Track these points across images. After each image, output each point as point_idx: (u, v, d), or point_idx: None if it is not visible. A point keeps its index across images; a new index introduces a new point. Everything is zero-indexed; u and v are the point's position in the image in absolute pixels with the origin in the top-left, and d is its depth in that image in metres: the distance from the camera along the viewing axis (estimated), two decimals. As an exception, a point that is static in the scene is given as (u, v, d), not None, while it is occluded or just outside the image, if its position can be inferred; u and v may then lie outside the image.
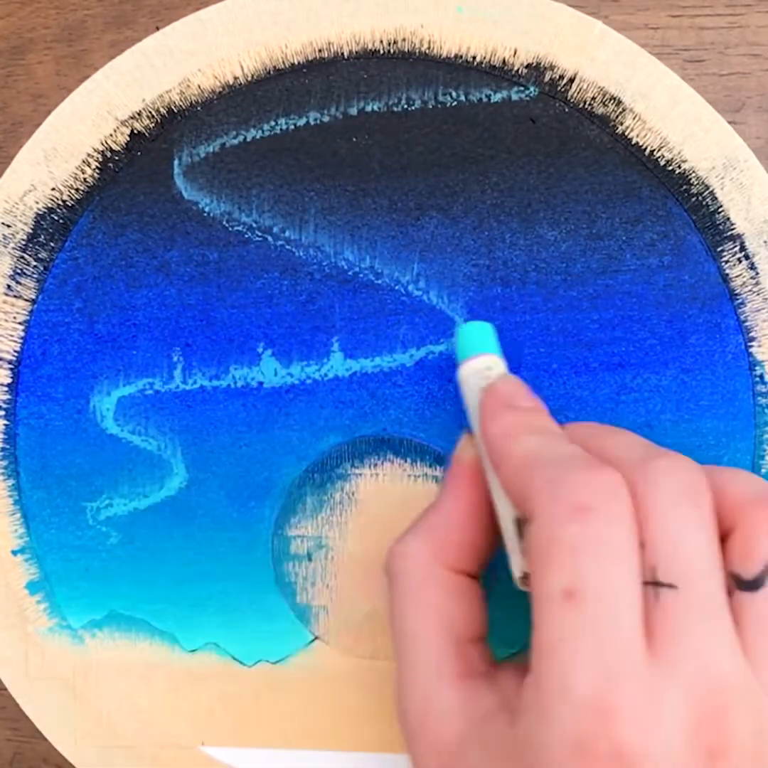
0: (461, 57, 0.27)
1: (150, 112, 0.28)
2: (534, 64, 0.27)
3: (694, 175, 0.27)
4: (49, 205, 0.28)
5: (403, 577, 0.23)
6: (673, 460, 0.21)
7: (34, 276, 0.28)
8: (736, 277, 0.27)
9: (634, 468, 0.21)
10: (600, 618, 0.19)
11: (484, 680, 0.23)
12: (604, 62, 0.27)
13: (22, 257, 0.28)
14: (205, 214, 0.28)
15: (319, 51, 0.28)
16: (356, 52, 0.28)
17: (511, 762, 0.21)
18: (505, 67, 0.27)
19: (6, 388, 0.29)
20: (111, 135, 0.28)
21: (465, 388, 0.25)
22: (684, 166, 0.27)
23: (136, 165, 0.28)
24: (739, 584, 0.21)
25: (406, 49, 0.27)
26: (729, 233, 0.27)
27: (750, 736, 0.19)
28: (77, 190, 0.28)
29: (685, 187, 0.27)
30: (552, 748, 0.19)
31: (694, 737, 0.19)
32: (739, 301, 0.27)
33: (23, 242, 0.28)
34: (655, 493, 0.21)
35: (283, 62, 0.28)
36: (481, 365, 0.25)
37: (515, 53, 0.27)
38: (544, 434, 0.23)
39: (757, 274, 0.27)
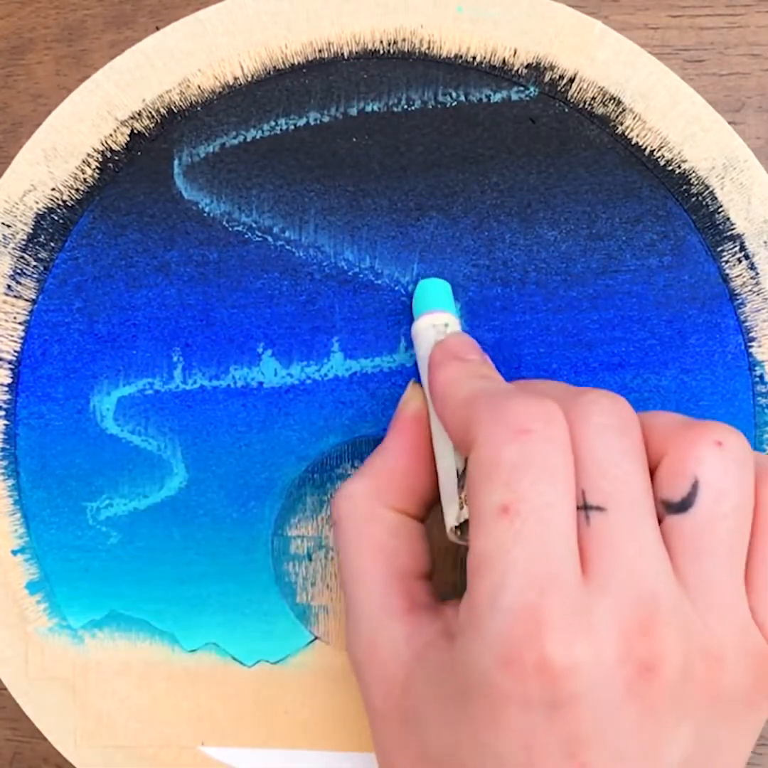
0: (461, 57, 0.27)
1: (150, 112, 0.28)
2: (534, 64, 0.27)
3: (694, 175, 0.27)
4: (49, 205, 0.28)
5: (348, 517, 0.24)
6: (602, 395, 0.22)
7: (34, 276, 0.28)
8: (736, 277, 0.27)
9: (567, 402, 0.22)
10: (534, 531, 0.20)
11: (429, 612, 0.23)
12: (604, 62, 0.27)
13: (22, 257, 0.28)
14: (205, 214, 0.28)
15: (319, 51, 0.28)
16: (356, 52, 0.28)
17: (449, 684, 0.21)
18: (505, 67, 0.27)
19: (6, 388, 0.29)
20: (111, 135, 0.28)
21: (419, 340, 0.26)
22: (684, 166, 0.27)
23: (136, 165, 0.28)
24: (668, 508, 0.21)
25: (406, 49, 0.27)
26: (729, 233, 0.27)
27: (680, 652, 0.20)
28: (77, 190, 0.28)
29: (685, 187, 0.27)
30: (482, 660, 0.19)
31: (625, 651, 0.19)
32: (739, 301, 0.27)
33: (23, 242, 0.28)
34: (586, 423, 0.21)
35: (283, 62, 0.28)
36: (439, 321, 0.26)
37: (515, 53, 0.27)
38: (488, 379, 0.23)
39: (757, 274, 0.27)
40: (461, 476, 0.23)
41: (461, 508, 0.23)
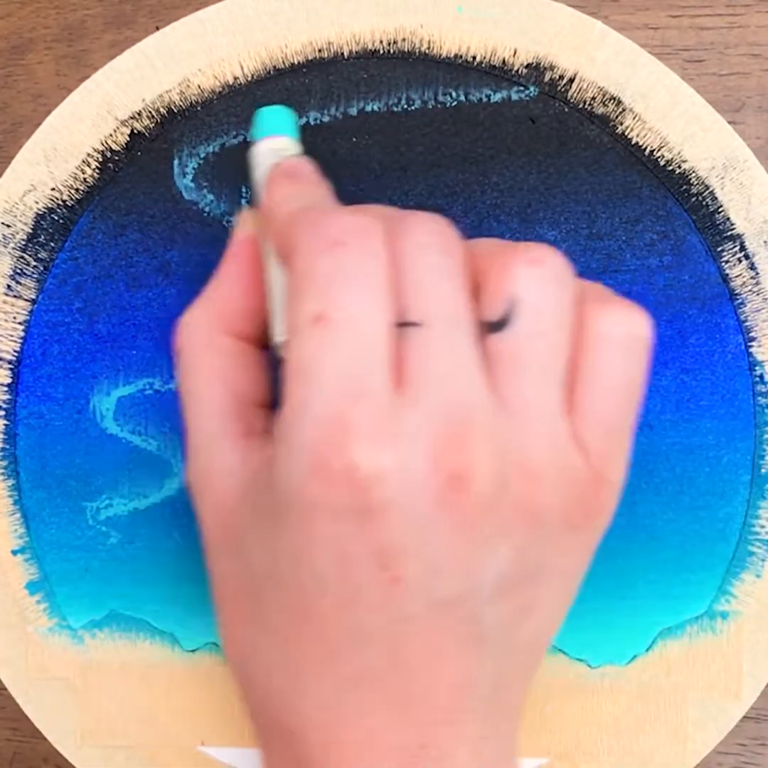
0: (461, 57, 0.27)
1: (150, 112, 0.28)
2: (534, 64, 0.27)
3: (694, 175, 0.27)
4: (49, 205, 0.28)
5: (187, 346, 0.24)
6: (427, 217, 0.22)
7: (34, 276, 0.28)
8: (736, 277, 0.27)
9: (391, 221, 0.21)
10: (346, 339, 0.19)
11: (264, 438, 0.23)
12: (604, 62, 0.27)
13: (22, 257, 0.28)
14: (205, 214, 0.28)
15: (319, 51, 0.28)
16: (356, 52, 0.28)
17: (269, 501, 0.20)
18: (505, 67, 0.27)
19: (6, 388, 0.29)
20: (111, 135, 0.28)
21: (256, 165, 0.25)
22: (684, 166, 0.27)
23: (136, 165, 0.28)
24: (488, 328, 0.21)
25: (406, 49, 0.27)
26: (729, 233, 0.27)
27: (493, 465, 0.19)
28: (77, 190, 0.28)
29: (685, 187, 0.27)
30: (292, 470, 0.19)
31: (435, 460, 0.19)
32: (739, 301, 0.27)
33: (23, 242, 0.28)
34: (408, 241, 0.21)
35: (283, 62, 0.28)
36: (278, 145, 0.25)
37: (515, 53, 0.27)
38: (319, 197, 0.23)
39: (757, 274, 0.27)
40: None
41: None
